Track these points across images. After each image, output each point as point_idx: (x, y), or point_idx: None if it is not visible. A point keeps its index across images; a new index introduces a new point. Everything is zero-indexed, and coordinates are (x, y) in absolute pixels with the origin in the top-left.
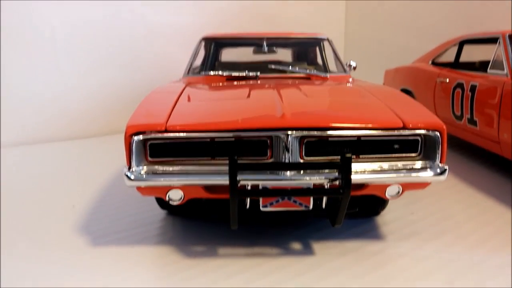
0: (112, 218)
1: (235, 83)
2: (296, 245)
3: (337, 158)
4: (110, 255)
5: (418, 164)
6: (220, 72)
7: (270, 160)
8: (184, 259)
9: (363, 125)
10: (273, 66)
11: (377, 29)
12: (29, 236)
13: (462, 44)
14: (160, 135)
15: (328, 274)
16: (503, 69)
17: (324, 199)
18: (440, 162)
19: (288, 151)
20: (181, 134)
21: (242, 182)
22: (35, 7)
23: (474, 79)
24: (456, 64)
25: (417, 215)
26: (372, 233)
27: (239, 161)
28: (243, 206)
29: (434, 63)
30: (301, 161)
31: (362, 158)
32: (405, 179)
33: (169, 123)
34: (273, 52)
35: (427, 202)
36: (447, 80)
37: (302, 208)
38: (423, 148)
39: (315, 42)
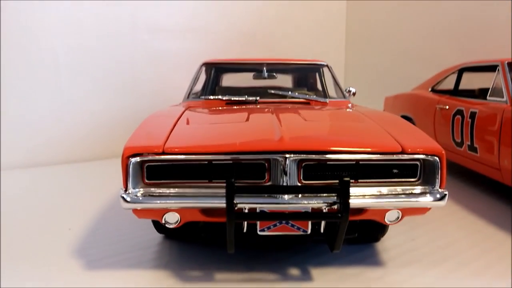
0: (108, 241)
1: (235, 107)
2: (294, 271)
3: (335, 182)
4: (105, 279)
5: (418, 189)
6: (219, 97)
7: (268, 184)
8: (180, 284)
9: (361, 149)
10: (272, 91)
11: (377, 57)
12: (24, 258)
13: (461, 72)
14: (157, 157)
15: None
16: (502, 96)
17: (323, 223)
18: (440, 187)
19: (286, 175)
20: (179, 157)
21: (239, 205)
22: (38, 33)
23: (474, 106)
24: (455, 92)
25: (418, 241)
26: (372, 259)
27: (236, 184)
28: (240, 230)
29: (433, 91)
30: (299, 184)
31: (360, 182)
32: (404, 204)
33: (166, 145)
34: (273, 77)
35: (428, 229)
36: (447, 107)
37: (300, 233)
38: (422, 173)
39: (315, 68)
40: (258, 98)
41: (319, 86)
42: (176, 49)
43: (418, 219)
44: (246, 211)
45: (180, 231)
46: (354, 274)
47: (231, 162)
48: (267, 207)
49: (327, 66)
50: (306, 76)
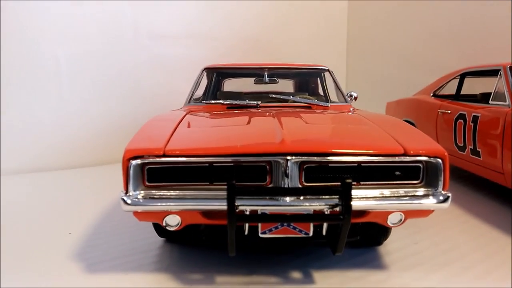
0: (108, 245)
1: (236, 111)
2: (296, 274)
3: (337, 184)
4: (105, 282)
5: (420, 191)
6: (221, 101)
7: (269, 186)
8: (181, 287)
9: (363, 151)
10: (273, 95)
11: (378, 63)
12: (24, 261)
13: (463, 76)
14: (158, 159)
15: None
16: (505, 100)
17: (325, 225)
18: (443, 189)
19: (288, 177)
20: (180, 159)
21: (240, 208)
22: (39, 38)
23: (476, 110)
24: (457, 96)
25: (421, 245)
26: (374, 262)
27: (237, 186)
28: (242, 233)
29: (435, 96)
30: (301, 187)
31: (363, 184)
32: (407, 206)
33: (167, 147)
34: (275, 82)
35: (431, 233)
36: (449, 111)
37: (302, 235)
38: (425, 175)
39: (316, 73)
40: (259, 102)
41: (320, 91)
42: (178, 55)
43: (421, 223)
44: (247, 213)
45: (181, 234)
46: (356, 277)
47: (232, 164)
48: (268, 209)
49: (328, 70)
50: (308, 80)
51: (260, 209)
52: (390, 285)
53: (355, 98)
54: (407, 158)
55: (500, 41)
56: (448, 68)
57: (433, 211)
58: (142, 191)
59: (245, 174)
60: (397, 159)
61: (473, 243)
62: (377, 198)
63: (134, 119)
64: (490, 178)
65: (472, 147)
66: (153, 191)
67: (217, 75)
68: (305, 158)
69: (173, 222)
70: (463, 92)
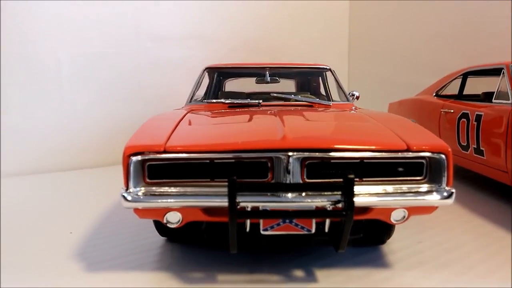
0: (109, 244)
1: (237, 110)
2: (299, 272)
3: (339, 180)
4: (106, 281)
5: (424, 187)
6: (222, 100)
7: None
8: (182, 285)
9: (366, 147)
10: (275, 94)
11: (380, 64)
12: (25, 261)
13: (466, 76)
14: (158, 156)
15: None
16: (508, 99)
17: (327, 222)
18: (447, 185)
19: (289, 173)
20: (180, 155)
21: (241, 204)
22: (41, 41)
23: (479, 109)
24: (460, 96)
25: (424, 244)
26: (378, 261)
27: (238, 182)
28: (243, 230)
29: (437, 95)
30: (303, 183)
31: (365, 181)
32: (410, 203)
33: (168, 144)
34: (276, 81)
35: (434, 232)
36: (452, 111)
37: (304, 232)
38: (428, 171)
39: (318, 72)
40: (261, 101)
41: (322, 90)
42: (179, 57)
43: (424, 223)
44: (249, 209)
45: (182, 232)
46: (359, 275)
47: (233, 160)
48: (270, 206)
49: (330, 70)
50: (309, 80)
51: (261, 205)
52: (394, 284)
53: (357, 98)
54: (410, 154)
55: (501, 42)
56: (449, 69)
57: (437, 207)
58: (142, 188)
59: (246, 171)
60: (400, 155)
61: (477, 243)
62: (380, 195)
63: (136, 121)
64: (494, 177)
65: (475, 146)
66: (154, 188)
67: (218, 75)
68: (306, 154)
69: (174, 219)
70: (465, 92)
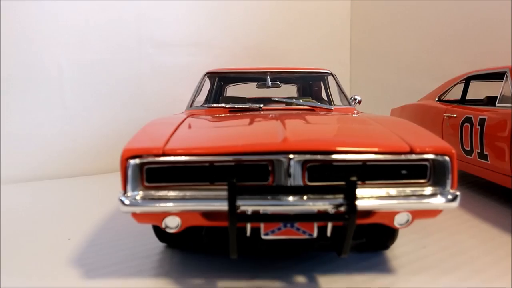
0: (107, 251)
1: (238, 114)
2: (301, 278)
3: (341, 183)
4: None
5: (428, 190)
6: (222, 105)
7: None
8: None
9: (368, 149)
10: (276, 98)
11: (382, 71)
12: (22, 267)
13: (468, 80)
14: (157, 159)
15: None
16: (511, 103)
17: (329, 226)
18: (451, 188)
19: (290, 177)
20: (179, 158)
21: (242, 208)
22: (43, 46)
23: (482, 113)
24: (463, 101)
25: (429, 249)
26: (381, 266)
27: (238, 185)
28: (244, 234)
29: (440, 100)
30: (304, 186)
31: (368, 184)
32: (414, 206)
33: (167, 146)
34: (277, 86)
35: (439, 237)
36: (455, 115)
37: (306, 237)
38: (432, 173)
39: (319, 77)
40: (261, 105)
41: (323, 95)
42: (181, 63)
43: (428, 228)
44: (249, 213)
45: (182, 238)
46: (363, 281)
47: (233, 163)
48: (271, 210)
49: (331, 74)
50: (311, 85)
51: (262, 209)
52: None
53: (359, 102)
54: (414, 156)
55: (504, 47)
56: (451, 75)
57: (441, 211)
58: (140, 192)
59: (247, 174)
60: (403, 157)
61: (483, 248)
62: (383, 198)
63: (137, 127)
64: (498, 181)
65: (479, 151)
66: (152, 192)
67: (219, 80)
68: (308, 157)
69: (172, 223)
70: (467, 98)
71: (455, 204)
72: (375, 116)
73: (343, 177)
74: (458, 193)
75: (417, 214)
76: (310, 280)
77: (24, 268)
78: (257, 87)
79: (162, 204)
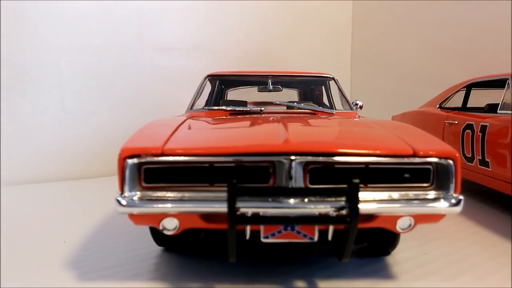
0: (103, 254)
1: (239, 117)
2: (301, 283)
3: (343, 186)
4: None
5: (431, 194)
6: (223, 107)
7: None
8: None
9: (371, 152)
10: (277, 102)
11: (382, 78)
12: (15, 270)
13: (469, 88)
14: (156, 159)
15: None
16: None
17: (330, 229)
18: (454, 192)
19: (291, 179)
20: (179, 158)
21: (242, 210)
22: (43, 47)
23: (484, 120)
24: (464, 108)
25: (431, 255)
26: (383, 272)
27: (238, 186)
28: (243, 237)
29: (441, 108)
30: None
31: (370, 187)
32: (417, 210)
33: (166, 146)
34: (279, 90)
35: (440, 244)
36: (456, 122)
37: (307, 240)
38: (435, 177)
39: (321, 81)
40: (263, 108)
41: (325, 99)
42: (182, 67)
43: (429, 234)
44: (249, 215)
45: (180, 242)
46: (364, 287)
47: (233, 164)
48: (271, 212)
49: (333, 79)
50: (312, 89)
51: (262, 211)
52: None
53: (361, 107)
54: (417, 160)
55: (505, 54)
56: (452, 82)
57: (444, 215)
58: (138, 192)
59: (247, 175)
60: (406, 160)
61: (484, 254)
62: (386, 201)
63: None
64: (500, 189)
65: (480, 158)
66: (150, 192)
67: (220, 83)
68: (310, 159)
69: (170, 225)
70: (468, 105)
71: (458, 208)
72: (377, 120)
73: (345, 180)
74: (461, 197)
75: (419, 218)
76: (311, 285)
77: (15, 272)
78: (258, 91)
79: (160, 205)
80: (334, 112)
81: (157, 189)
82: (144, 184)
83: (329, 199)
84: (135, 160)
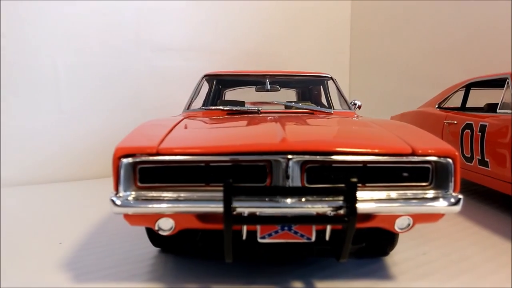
0: (99, 255)
1: (236, 116)
2: (298, 284)
3: (341, 185)
4: None
5: (430, 193)
6: (220, 107)
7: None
8: None
9: (369, 150)
10: (275, 101)
11: (381, 79)
12: (9, 272)
13: (469, 88)
14: (151, 158)
15: None
16: None
17: (328, 229)
18: (454, 191)
19: (289, 178)
20: (174, 158)
21: (238, 210)
22: (39, 47)
23: (483, 120)
24: (463, 108)
25: (430, 256)
26: (381, 272)
27: (235, 186)
28: (239, 237)
29: (440, 108)
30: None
31: (368, 186)
32: (416, 209)
33: (161, 145)
34: (276, 90)
35: (439, 244)
36: (455, 122)
37: (304, 240)
38: (434, 176)
39: (319, 81)
40: (260, 108)
41: (323, 99)
42: (179, 67)
43: (428, 234)
44: (246, 215)
45: (177, 242)
46: (362, 287)
47: (230, 164)
48: (268, 212)
49: (331, 78)
50: (310, 89)
51: (259, 211)
52: None
53: (359, 107)
54: (416, 158)
55: (504, 55)
56: (450, 83)
57: (443, 215)
58: (133, 192)
59: (244, 175)
60: (404, 159)
61: (484, 254)
62: (384, 201)
63: None
64: (499, 189)
65: (479, 157)
66: (145, 192)
67: (217, 83)
68: (307, 157)
69: (166, 226)
70: (467, 105)
71: (457, 207)
72: (376, 119)
73: (343, 179)
74: (460, 196)
75: (418, 218)
76: (308, 286)
77: (10, 274)
78: (255, 91)
79: (155, 205)
80: (333, 112)
81: (152, 189)
82: (139, 184)
83: (326, 198)
84: (130, 160)
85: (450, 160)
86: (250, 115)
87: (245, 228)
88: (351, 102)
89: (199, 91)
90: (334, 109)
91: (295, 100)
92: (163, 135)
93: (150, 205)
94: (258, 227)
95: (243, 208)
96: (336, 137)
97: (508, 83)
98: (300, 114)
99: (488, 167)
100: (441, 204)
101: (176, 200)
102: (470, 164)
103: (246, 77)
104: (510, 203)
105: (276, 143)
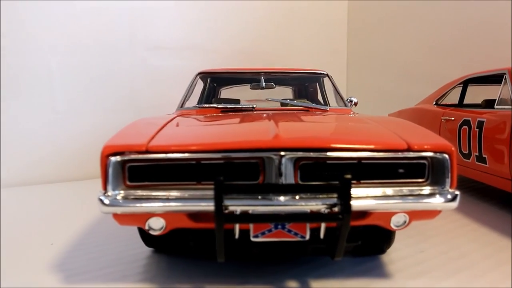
0: (91, 256)
1: (230, 114)
2: (293, 283)
3: (335, 183)
4: None
5: (426, 190)
6: (214, 105)
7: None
8: None
9: (364, 146)
10: (269, 99)
11: (378, 77)
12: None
13: (466, 84)
14: (140, 156)
15: None
16: (510, 104)
17: (322, 228)
18: (450, 187)
19: (282, 176)
20: (164, 156)
21: (230, 208)
22: (33, 48)
23: (481, 116)
24: (461, 104)
25: (427, 253)
26: (377, 271)
27: (226, 183)
28: (232, 236)
29: (437, 104)
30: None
31: (363, 183)
32: (412, 206)
33: (151, 143)
34: (271, 87)
35: (437, 241)
36: (453, 118)
37: (298, 239)
38: (430, 172)
39: (315, 78)
40: (254, 105)
41: (319, 97)
42: (174, 66)
43: (426, 232)
44: (238, 213)
45: (169, 242)
46: (358, 286)
47: (221, 161)
48: (260, 210)
49: (327, 75)
50: (306, 86)
51: (251, 209)
52: None
53: (355, 104)
54: (411, 154)
55: (501, 53)
56: (447, 81)
57: (440, 211)
58: (122, 191)
59: (236, 173)
60: (400, 155)
61: (483, 251)
62: (379, 198)
63: None
64: (497, 185)
65: (477, 154)
66: (135, 191)
67: (211, 80)
68: (300, 154)
69: (156, 225)
70: (465, 102)
71: (454, 204)
72: (372, 116)
73: (337, 176)
74: (457, 192)
75: (414, 215)
76: (303, 285)
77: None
78: (250, 88)
79: (145, 204)
80: (328, 109)
81: (142, 187)
82: (128, 183)
83: (320, 196)
84: (118, 158)
85: (446, 156)
86: (244, 113)
87: (237, 227)
88: (347, 99)
89: (193, 89)
90: (330, 106)
91: (290, 97)
92: (154, 133)
93: (140, 204)
94: (251, 226)
95: (235, 206)
96: (330, 133)
97: (505, 78)
98: (295, 111)
99: (486, 164)
100: (437, 201)
101: (166, 199)
102: (468, 160)
103: (241, 74)
104: (509, 200)
105: (269, 139)
